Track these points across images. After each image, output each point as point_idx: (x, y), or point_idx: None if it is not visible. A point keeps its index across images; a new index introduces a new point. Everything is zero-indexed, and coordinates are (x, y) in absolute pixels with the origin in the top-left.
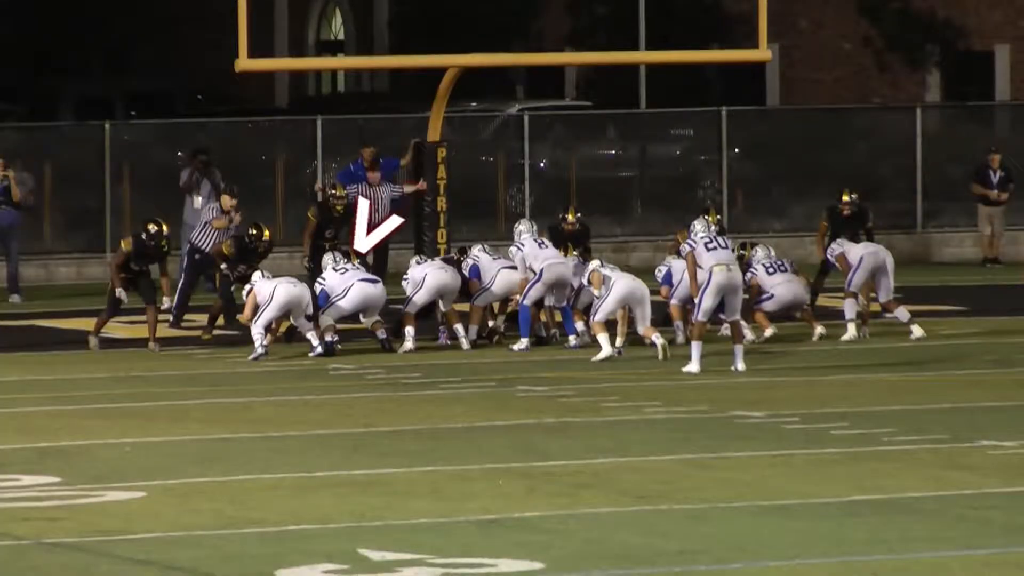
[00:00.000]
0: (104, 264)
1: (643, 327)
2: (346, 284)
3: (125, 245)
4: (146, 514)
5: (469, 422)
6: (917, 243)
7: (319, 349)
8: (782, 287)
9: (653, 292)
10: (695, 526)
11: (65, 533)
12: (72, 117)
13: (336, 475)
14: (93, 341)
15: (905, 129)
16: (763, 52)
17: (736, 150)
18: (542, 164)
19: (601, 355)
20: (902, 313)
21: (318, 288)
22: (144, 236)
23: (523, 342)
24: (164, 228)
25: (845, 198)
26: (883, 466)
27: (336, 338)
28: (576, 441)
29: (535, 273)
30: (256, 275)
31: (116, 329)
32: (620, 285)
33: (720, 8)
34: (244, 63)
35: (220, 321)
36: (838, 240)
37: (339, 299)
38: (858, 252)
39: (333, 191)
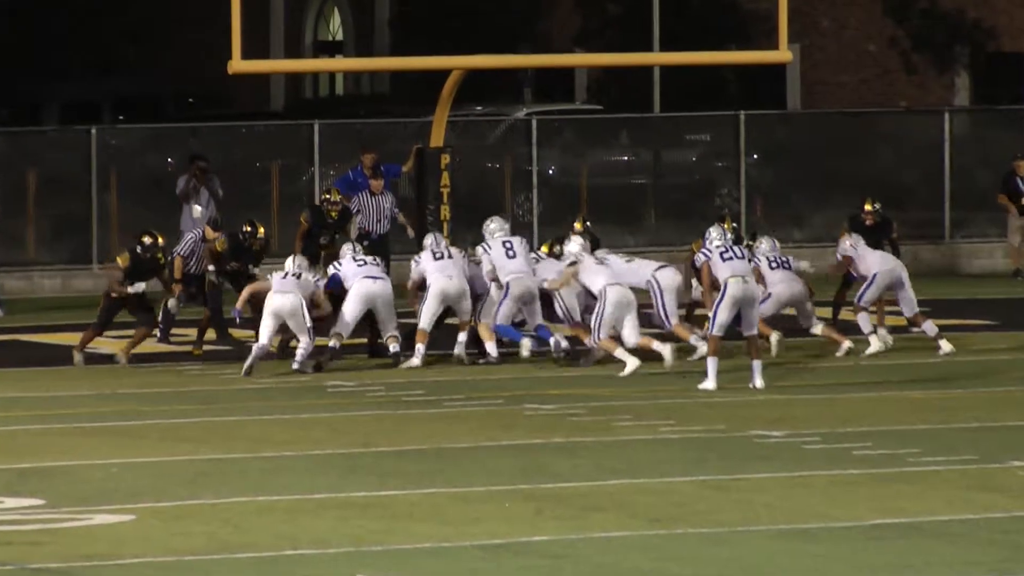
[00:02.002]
0: (92, 276)
1: (636, 337)
2: (353, 279)
3: (122, 261)
4: (135, 538)
5: (474, 441)
6: (944, 254)
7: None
8: (781, 286)
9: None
10: (711, 550)
11: (50, 558)
12: (57, 121)
13: (334, 497)
14: (78, 357)
15: (932, 134)
16: (783, 53)
17: (755, 156)
18: (551, 171)
19: (628, 369)
20: (930, 327)
21: (331, 271)
22: (139, 249)
23: (525, 343)
24: (159, 239)
25: (868, 207)
26: (908, 488)
27: (337, 345)
28: (586, 461)
29: (501, 285)
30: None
31: (103, 344)
32: (612, 294)
33: (738, 7)
34: (238, 65)
35: (211, 335)
36: (854, 239)
37: (345, 305)
38: (873, 264)
39: (327, 196)
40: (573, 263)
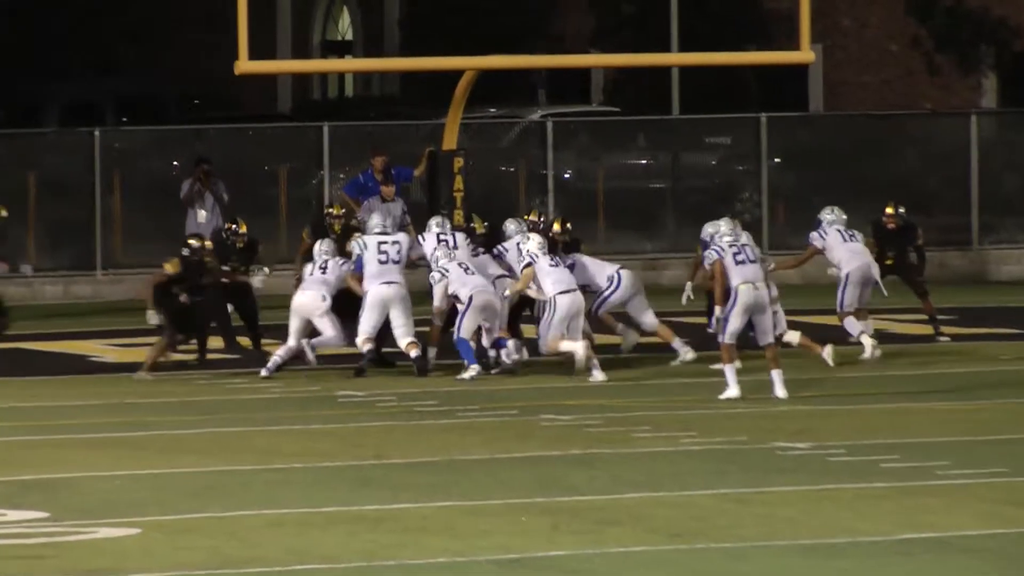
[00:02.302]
0: (94, 282)
1: (576, 340)
2: (370, 282)
3: (172, 267)
4: (139, 552)
5: (488, 453)
6: (972, 260)
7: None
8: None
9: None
10: (732, 565)
11: (53, 572)
12: (57, 123)
13: (344, 510)
14: (143, 374)
15: (958, 137)
16: (805, 54)
17: (776, 159)
18: (566, 175)
19: (579, 355)
20: (867, 326)
21: (355, 250)
22: (188, 252)
23: (472, 369)
24: (205, 243)
25: (890, 210)
26: (936, 501)
27: (371, 348)
28: (603, 474)
29: (460, 300)
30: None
31: (108, 352)
32: (563, 302)
33: (759, 6)
34: (244, 65)
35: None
36: (824, 228)
37: (363, 315)
38: (843, 260)
39: (330, 210)
40: (528, 264)
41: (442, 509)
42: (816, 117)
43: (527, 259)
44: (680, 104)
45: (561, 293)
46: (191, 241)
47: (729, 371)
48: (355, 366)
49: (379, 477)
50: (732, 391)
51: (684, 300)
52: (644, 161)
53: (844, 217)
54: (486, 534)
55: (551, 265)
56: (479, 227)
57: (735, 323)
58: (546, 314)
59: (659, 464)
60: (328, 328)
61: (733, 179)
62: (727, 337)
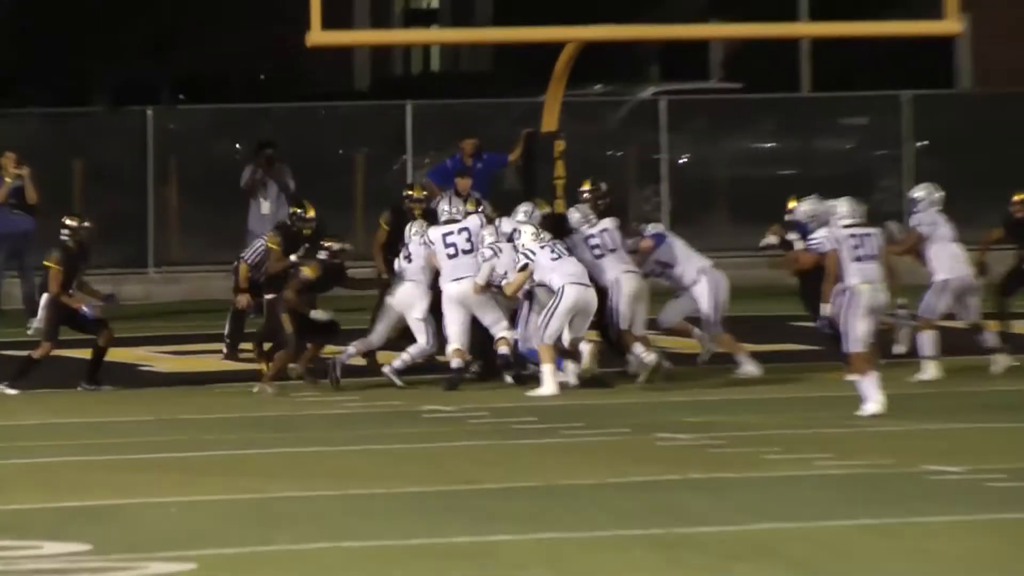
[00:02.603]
0: (146, 281)
1: (570, 336)
2: (443, 280)
3: (311, 272)
4: None
5: (596, 478)
6: None
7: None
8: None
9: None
10: None
11: None
12: (108, 102)
13: (431, 543)
14: (270, 389)
15: None
16: (952, 24)
17: (920, 143)
18: (681, 160)
19: (541, 391)
20: (991, 337)
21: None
22: (326, 256)
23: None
24: (345, 245)
25: (1017, 197)
26: None
27: (461, 363)
28: (728, 502)
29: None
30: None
31: (160, 360)
32: (570, 294)
33: None
34: (317, 36)
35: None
36: (931, 214)
37: (445, 319)
38: (942, 266)
39: (410, 192)
40: (524, 266)
41: (542, 542)
42: (964, 95)
43: (522, 259)
44: (811, 81)
45: (569, 284)
46: (329, 244)
47: (865, 384)
48: (445, 377)
49: (471, 505)
50: (872, 406)
51: (763, 243)
52: (770, 145)
53: (940, 194)
54: (593, 570)
55: (553, 259)
56: (542, 208)
57: (859, 328)
58: (550, 304)
59: (791, 490)
60: (420, 333)
61: (871, 165)
62: (856, 345)
